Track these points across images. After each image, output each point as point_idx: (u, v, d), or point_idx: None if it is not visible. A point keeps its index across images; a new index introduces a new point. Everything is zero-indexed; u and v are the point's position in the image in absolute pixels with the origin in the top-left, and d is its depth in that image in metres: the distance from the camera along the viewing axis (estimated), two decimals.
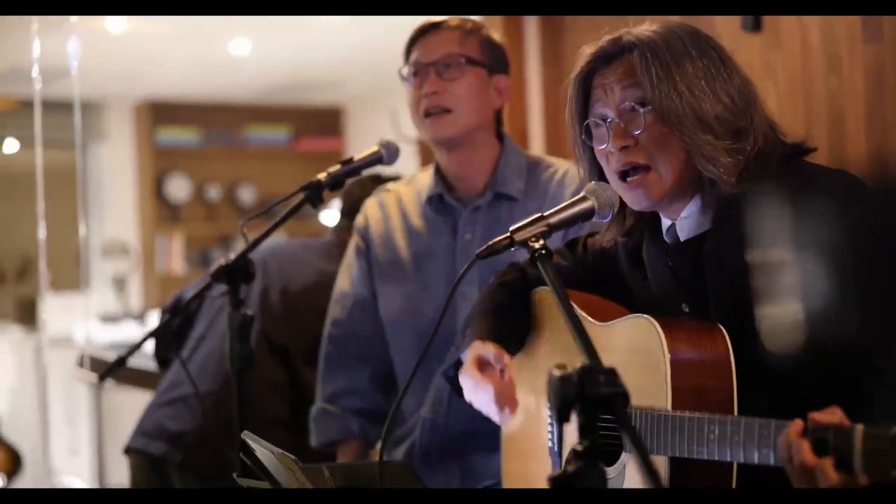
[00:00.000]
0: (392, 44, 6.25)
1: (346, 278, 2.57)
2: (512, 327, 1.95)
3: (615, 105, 1.70)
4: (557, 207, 1.65)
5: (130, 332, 6.23)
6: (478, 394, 1.84)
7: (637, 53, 1.68)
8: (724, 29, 3.14)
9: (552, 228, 1.62)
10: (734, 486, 1.58)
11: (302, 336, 3.01)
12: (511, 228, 1.61)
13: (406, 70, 2.41)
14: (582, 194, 1.67)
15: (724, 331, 1.65)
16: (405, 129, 4.43)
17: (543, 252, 1.57)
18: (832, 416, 1.39)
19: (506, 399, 1.81)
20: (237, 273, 2.21)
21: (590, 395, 1.25)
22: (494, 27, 3.63)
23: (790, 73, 2.97)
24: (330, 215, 3.59)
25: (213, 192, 7.70)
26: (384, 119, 7.45)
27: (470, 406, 2.14)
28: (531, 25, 3.88)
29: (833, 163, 2.79)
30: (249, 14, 4.60)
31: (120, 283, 7.41)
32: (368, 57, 6.37)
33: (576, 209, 1.65)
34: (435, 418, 2.35)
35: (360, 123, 7.99)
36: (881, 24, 2.76)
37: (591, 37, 3.87)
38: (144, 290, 7.45)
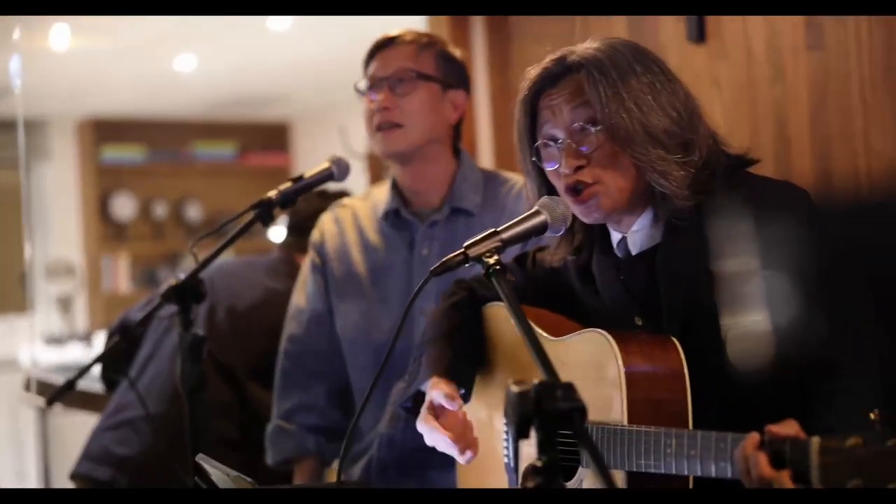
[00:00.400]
0: (339, 58, 6.27)
1: (302, 294, 2.56)
2: (467, 351, 1.94)
3: (565, 125, 1.70)
4: (511, 222, 1.65)
5: (76, 353, 6.14)
6: (437, 441, 1.82)
7: (584, 73, 1.69)
8: (670, 40, 3.16)
9: (506, 243, 1.61)
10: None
11: (249, 355, 2.99)
12: (465, 244, 1.60)
13: (362, 84, 2.41)
14: (535, 209, 1.67)
15: (677, 343, 1.66)
16: (354, 145, 4.42)
17: (498, 268, 1.56)
18: (789, 428, 1.39)
19: (464, 444, 1.80)
20: (188, 293, 2.19)
21: (548, 411, 1.25)
22: (440, 34, 3.64)
23: (735, 82, 3.00)
24: (277, 232, 3.57)
25: (159, 210, 7.63)
26: (332, 134, 7.43)
27: None
28: (478, 36, 3.89)
29: (779, 169, 2.85)
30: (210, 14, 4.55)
31: (65, 304, 7.32)
32: (315, 72, 6.36)
33: (529, 224, 1.65)
34: (392, 434, 2.34)
35: (308, 138, 7.96)
36: (823, 31, 2.79)
37: (537, 47, 3.89)
38: (90, 311, 7.36)
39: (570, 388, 1.26)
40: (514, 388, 1.27)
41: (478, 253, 1.59)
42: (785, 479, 1.34)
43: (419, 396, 1.92)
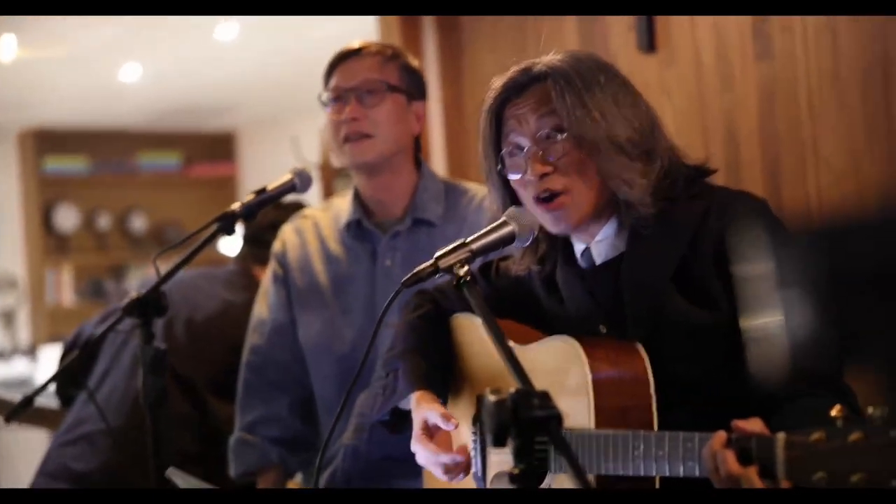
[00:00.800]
0: (285, 68, 6.26)
1: (264, 305, 2.56)
2: (440, 364, 1.96)
3: (531, 133, 1.73)
4: (479, 233, 1.67)
5: (20, 368, 6.06)
6: (431, 465, 1.83)
7: (550, 81, 1.72)
8: (620, 49, 3.21)
9: (475, 254, 1.64)
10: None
11: (208, 367, 2.98)
12: (435, 255, 1.62)
13: (326, 95, 2.42)
14: (502, 219, 1.69)
15: (641, 349, 1.69)
16: (307, 155, 4.42)
17: (468, 278, 1.58)
18: (754, 424, 1.43)
19: (460, 468, 1.81)
20: (149, 307, 2.18)
21: (525, 419, 1.27)
22: (391, 39, 3.66)
23: (685, 91, 3.05)
24: (227, 244, 3.56)
25: (103, 221, 7.55)
26: (278, 144, 7.40)
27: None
28: (430, 46, 3.91)
29: (729, 176, 2.91)
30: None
31: (7, 318, 7.21)
32: (261, 81, 6.34)
33: (497, 234, 1.67)
34: (357, 445, 2.35)
35: (254, 149, 7.92)
36: (771, 41, 2.85)
37: (489, 57, 3.92)
38: (33, 325, 7.25)
39: (545, 396, 1.29)
40: (491, 397, 1.28)
41: (448, 264, 1.61)
42: (752, 475, 1.37)
43: (398, 411, 1.93)
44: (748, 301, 1.62)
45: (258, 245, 3.07)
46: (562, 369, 1.71)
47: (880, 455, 1.24)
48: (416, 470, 2.17)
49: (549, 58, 1.76)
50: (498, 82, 1.79)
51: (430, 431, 1.82)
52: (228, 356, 2.87)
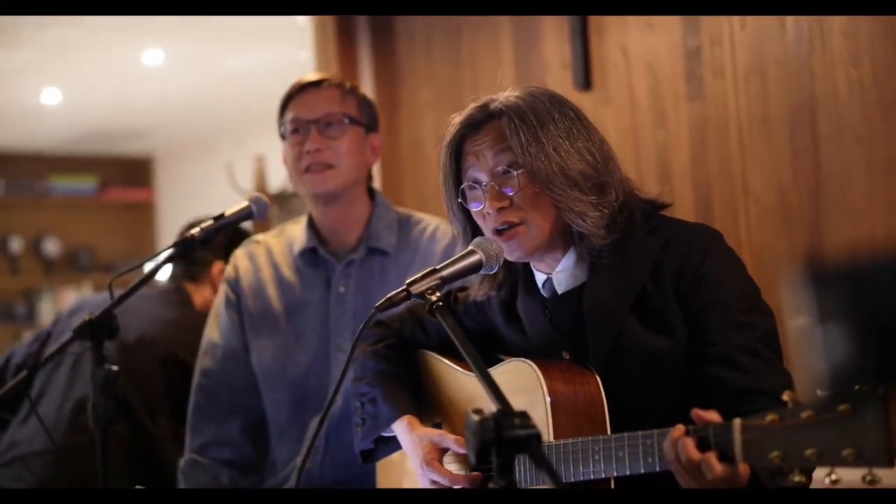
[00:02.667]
0: (207, 93, 6.24)
1: (216, 328, 2.57)
2: (416, 391, 2.01)
3: (489, 169, 1.79)
4: (448, 261, 1.73)
5: None
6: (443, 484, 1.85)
7: (505, 119, 1.78)
8: (556, 87, 3.27)
9: (445, 281, 1.69)
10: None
11: (144, 387, 2.97)
12: (407, 281, 1.68)
13: (285, 127, 2.45)
14: (470, 248, 1.75)
15: (593, 370, 1.76)
16: (239, 182, 4.44)
17: (441, 303, 1.64)
18: (712, 415, 1.50)
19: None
20: (100, 329, 2.19)
21: (507, 437, 1.32)
22: (328, 70, 3.71)
23: (620, 128, 3.16)
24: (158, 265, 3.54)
25: (16, 245, 7.42)
26: (196, 169, 7.39)
27: (345, 456, 2.18)
28: (366, 78, 3.97)
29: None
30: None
31: None
32: (180, 107, 6.32)
33: (466, 262, 1.73)
34: (310, 468, 2.38)
35: (171, 173, 7.87)
36: (703, 83, 2.98)
37: (425, 90, 3.98)
38: None
39: (525, 416, 1.35)
40: (474, 417, 1.34)
41: (420, 290, 1.66)
42: (712, 460, 1.45)
43: (382, 441, 1.97)
44: (705, 328, 1.71)
45: (188, 262, 3.11)
46: (521, 390, 1.77)
47: (831, 429, 1.32)
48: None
49: (506, 94, 1.82)
50: (457, 119, 1.85)
51: (440, 455, 1.87)
52: (164, 374, 2.88)
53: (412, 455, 1.90)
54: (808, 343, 0.92)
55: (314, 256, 2.48)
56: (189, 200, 7.28)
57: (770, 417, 1.38)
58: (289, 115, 2.45)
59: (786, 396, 1.39)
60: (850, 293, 0.90)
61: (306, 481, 2.37)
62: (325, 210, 2.47)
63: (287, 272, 2.50)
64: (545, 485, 1.70)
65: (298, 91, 2.46)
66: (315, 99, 2.43)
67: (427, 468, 1.86)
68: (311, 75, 2.50)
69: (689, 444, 1.47)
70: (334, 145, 2.41)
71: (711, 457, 1.45)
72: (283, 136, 2.47)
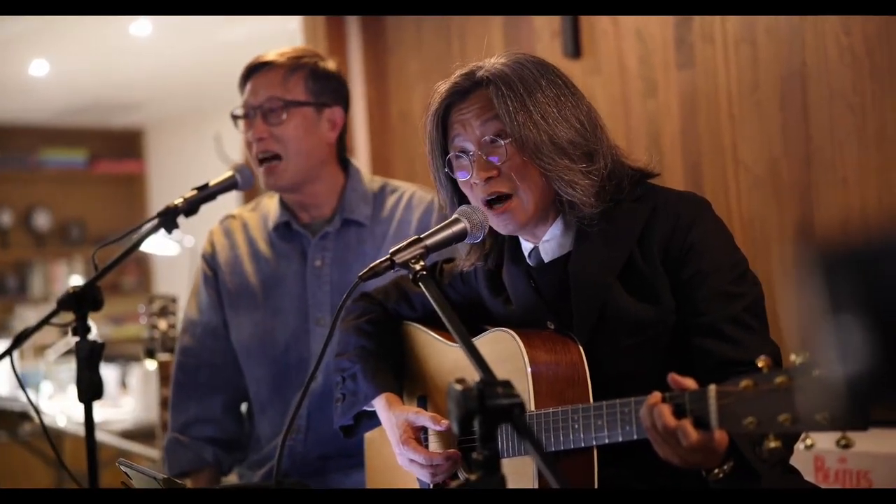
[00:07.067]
0: (198, 65, 6.20)
1: (194, 306, 2.54)
2: (395, 366, 2.00)
3: (475, 138, 1.76)
4: (433, 230, 1.71)
5: None
6: (419, 468, 1.84)
7: (492, 88, 1.75)
8: (545, 55, 3.23)
9: (429, 250, 1.67)
10: (595, 468, 1.67)
11: None
12: (391, 251, 1.66)
13: (238, 111, 2.39)
14: (454, 216, 1.73)
15: (576, 339, 1.75)
16: (229, 153, 4.41)
17: (425, 273, 1.63)
18: (689, 381, 1.49)
19: (444, 470, 1.83)
20: (85, 301, 2.17)
21: (490, 407, 1.31)
22: (317, 46, 3.68)
23: (610, 96, 3.13)
24: (157, 242, 3.51)
25: (6, 218, 7.40)
26: (187, 141, 7.35)
27: (327, 431, 2.16)
28: (354, 46, 3.94)
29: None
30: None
31: None
32: (173, 79, 6.28)
33: (450, 231, 1.71)
34: (293, 445, 2.36)
35: (161, 146, 7.83)
36: (693, 50, 2.95)
37: (413, 58, 3.95)
38: None
39: (508, 385, 1.33)
40: (457, 386, 1.32)
41: (404, 259, 1.65)
42: (687, 427, 1.44)
43: (362, 416, 1.96)
44: (693, 298, 1.69)
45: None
46: (502, 359, 1.76)
47: (804, 394, 1.31)
48: (351, 463, 2.21)
49: (492, 62, 1.79)
50: (442, 87, 1.81)
51: (417, 434, 1.86)
52: None
53: (390, 434, 1.89)
54: (821, 337, 0.83)
55: (288, 230, 2.45)
56: (180, 172, 7.25)
57: (744, 383, 1.37)
58: (242, 98, 2.40)
59: (761, 362, 1.37)
60: (870, 278, 0.80)
61: (289, 458, 2.36)
62: (290, 196, 2.44)
63: (263, 247, 2.47)
64: (527, 454, 1.69)
65: (249, 73, 2.39)
66: (259, 82, 2.36)
67: (403, 447, 1.85)
68: (265, 54, 2.40)
69: (665, 410, 1.46)
70: (277, 132, 2.34)
71: (687, 423, 1.44)
72: (234, 121, 2.41)
